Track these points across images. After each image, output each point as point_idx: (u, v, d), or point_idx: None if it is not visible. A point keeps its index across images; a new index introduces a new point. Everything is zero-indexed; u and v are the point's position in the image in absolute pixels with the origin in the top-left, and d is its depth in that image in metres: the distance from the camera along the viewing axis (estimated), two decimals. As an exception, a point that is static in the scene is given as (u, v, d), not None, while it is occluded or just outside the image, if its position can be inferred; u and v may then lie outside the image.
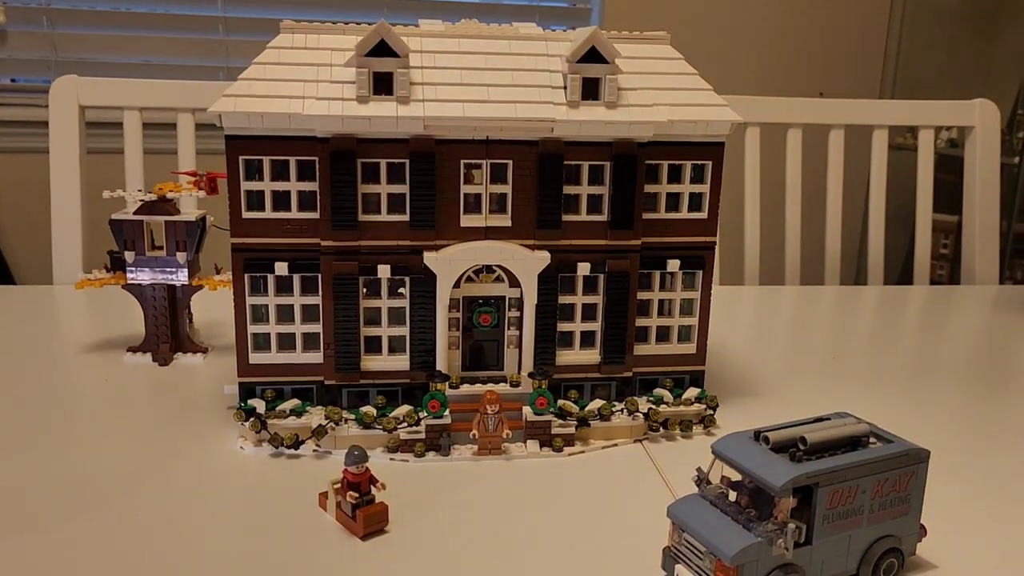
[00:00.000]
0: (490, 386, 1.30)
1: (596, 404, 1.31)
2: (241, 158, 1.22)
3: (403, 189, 1.25)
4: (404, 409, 1.26)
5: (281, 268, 1.27)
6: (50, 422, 1.34)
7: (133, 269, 1.55)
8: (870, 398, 1.54)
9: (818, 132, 2.49)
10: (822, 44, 4.01)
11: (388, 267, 1.27)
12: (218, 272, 1.59)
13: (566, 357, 1.36)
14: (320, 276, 1.27)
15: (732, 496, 0.93)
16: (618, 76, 1.26)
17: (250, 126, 1.20)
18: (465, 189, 1.26)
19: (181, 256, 1.54)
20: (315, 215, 1.25)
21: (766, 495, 0.88)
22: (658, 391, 1.38)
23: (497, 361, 1.35)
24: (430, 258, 1.26)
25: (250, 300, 1.28)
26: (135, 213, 1.53)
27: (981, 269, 2.53)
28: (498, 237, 1.28)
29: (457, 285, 1.28)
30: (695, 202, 1.34)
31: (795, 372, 1.67)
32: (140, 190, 1.55)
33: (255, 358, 1.30)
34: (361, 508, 1.03)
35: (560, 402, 1.30)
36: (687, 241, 1.36)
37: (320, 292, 1.28)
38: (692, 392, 1.37)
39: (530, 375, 1.29)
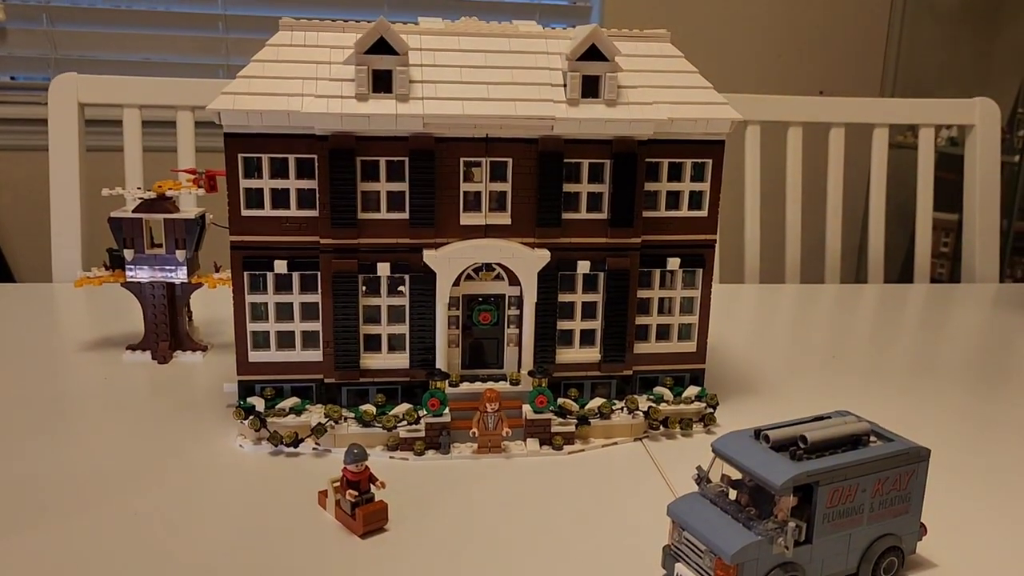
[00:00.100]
0: (490, 384, 1.30)
1: (596, 402, 1.31)
2: (240, 156, 1.22)
3: (403, 187, 1.25)
4: (404, 407, 1.26)
5: (280, 266, 1.26)
6: (49, 420, 1.33)
7: (132, 267, 1.55)
8: (870, 396, 1.54)
9: (818, 130, 2.49)
10: (822, 42, 4.01)
11: (388, 265, 1.27)
12: (217, 270, 1.59)
13: (566, 355, 1.36)
14: (319, 274, 1.27)
15: (732, 494, 0.93)
16: (618, 74, 1.26)
17: (249, 124, 1.20)
18: (465, 187, 1.26)
19: (180, 254, 1.54)
20: (314, 213, 1.25)
21: (766, 494, 0.88)
22: (658, 389, 1.38)
23: (497, 359, 1.34)
24: (430, 256, 1.25)
25: (249, 298, 1.28)
26: (134, 211, 1.52)
27: (981, 267, 2.52)
28: (498, 235, 1.27)
29: (457, 283, 1.28)
30: (695, 200, 1.34)
31: (795, 370, 1.67)
32: (139, 188, 1.55)
33: (254, 356, 1.30)
34: (360, 506, 1.02)
35: (560, 400, 1.29)
36: (687, 239, 1.35)
37: (319, 290, 1.28)
38: (692, 390, 1.37)
39: (530, 373, 1.29)
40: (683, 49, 1.38)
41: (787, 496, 0.86)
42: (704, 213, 1.35)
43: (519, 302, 1.31)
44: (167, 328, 1.59)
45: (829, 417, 0.97)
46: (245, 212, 1.25)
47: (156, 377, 1.52)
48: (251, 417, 1.24)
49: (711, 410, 1.35)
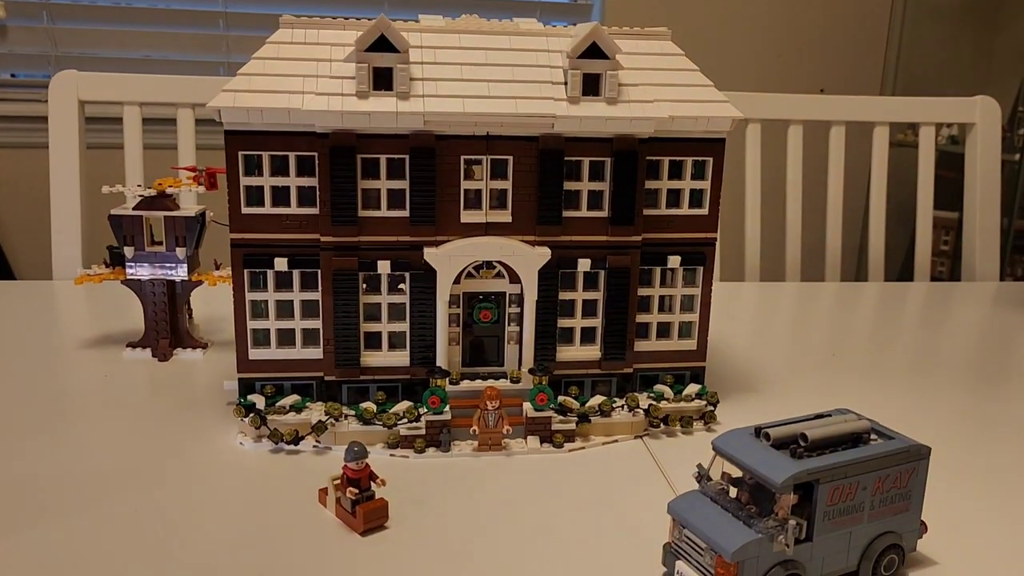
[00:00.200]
0: (490, 382, 1.30)
1: (596, 400, 1.31)
2: (240, 153, 1.22)
3: (403, 185, 1.25)
4: (404, 405, 1.26)
5: (281, 264, 1.26)
6: (49, 418, 1.33)
7: (132, 264, 1.55)
8: (870, 394, 1.54)
9: (819, 128, 2.49)
10: (823, 40, 4.01)
11: (388, 263, 1.27)
12: (217, 268, 1.59)
13: (566, 353, 1.36)
14: (320, 272, 1.27)
15: (733, 492, 0.93)
16: (619, 72, 1.26)
17: (249, 121, 1.20)
18: (465, 185, 1.26)
19: (180, 251, 1.54)
20: (315, 211, 1.25)
21: (767, 491, 0.88)
22: (659, 387, 1.38)
23: (497, 357, 1.34)
24: (430, 254, 1.25)
25: (250, 296, 1.28)
26: (134, 208, 1.52)
27: (981, 266, 2.52)
28: (498, 233, 1.27)
29: (457, 281, 1.28)
30: (696, 198, 1.34)
31: (795, 369, 1.67)
32: (139, 185, 1.55)
33: (255, 354, 1.30)
34: (361, 504, 1.02)
35: (560, 398, 1.29)
36: (688, 237, 1.35)
37: (320, 288, 1.28)
38: (692, 388, 1.37)
39: (530, 371, 1.29)
40: (683, 47, 1.37)
41: (787, 494, 0.86)
42: (705, 211, 1.35)
43: (520, 300, 1.31)
44: (167, 326, 1.59)
45: (829, 415, 0.97)
46: (245, 210, 1.25)
47: (156, 375, 1.52)
48: (251, 415, 1.24)
49: (711, 408, 1.35)
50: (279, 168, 1.24)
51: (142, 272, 1.55)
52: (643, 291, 1.37)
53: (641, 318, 1.38)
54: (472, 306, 1.31)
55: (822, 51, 4.01)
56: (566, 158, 1.27)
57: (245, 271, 1.27)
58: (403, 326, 1.30)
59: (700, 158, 1.32)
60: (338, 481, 1.05)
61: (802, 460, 0.88)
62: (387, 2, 3.54)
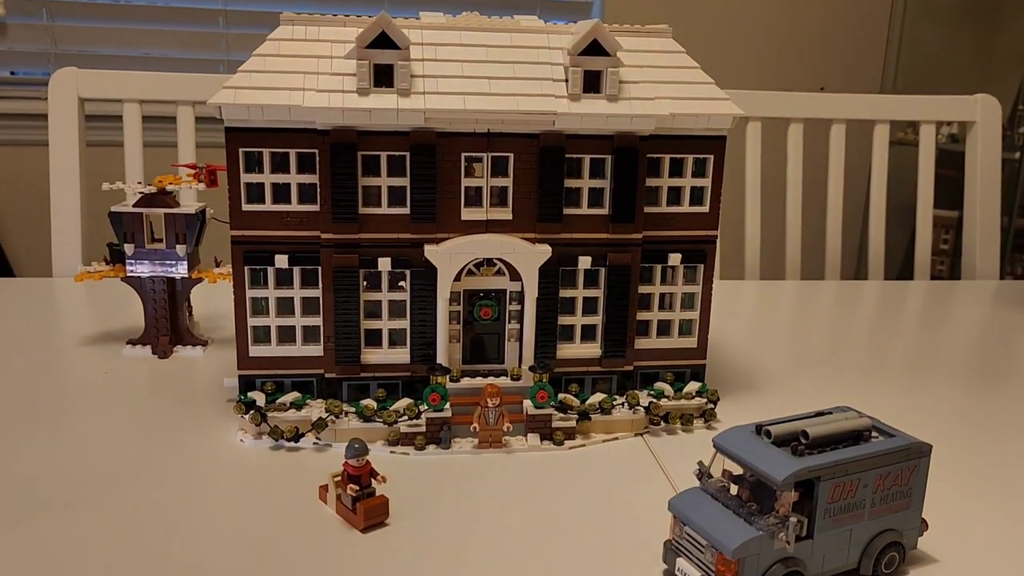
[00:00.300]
0: (491, 379, 1.30)
1: (597, 398, 1.31)
2: (241, 150, 1.22)
3: (404, 182, 1.25)
4: (404, 402, 1.26)
5: (281, 261, 1.26)
6: (49, 415, 1.33)
7: (132, 261, 1.55)
8: (870, 393, 1.54)
9: (819, 127, 2.49)
10: (823, 39, 4.01)
11: (388, 260, 1.27)
12: (218, 265, 1.58)
13: (567, 351, 1.36)
14: (320, 269, 1.27)
15: (733, 490, 0.93)
16: (620, 69, 1.26)
17: (250, 118, 1.19)
18: (466, 182, 1.26)
19: (181, 249, 1.54)
20: (315, 208, 1.25)
21: (767, 489, 0.88)
22: (659, 385, 1.38)
23: (498, 354, 1.34)
24: (431, 251, 1.25)
25: (250, 293, 1.28)
26: (135, 205, 1.52)
27: (982, 264, 2.52)
28: (499, 230, 1.27)
29: (458, 278, 1.28)
30: (696, 196, 1.34)
31: (796, 367, 1.67)
32: (140, 182, 1.55)
33: (255, 351, 1.30)
34: (361, 501, 1.02)
35: (561, 396, 1.29)
36: (688, 235, 1.35)
37: (320, 285, 1.28)
38: (693, 386, 1.37)
39: (531, 368, 1.29)
40: (683, 46, 1.37)
41: (788, 491, 0.86)
42: (705, 209, 1.35)
43: (520, 297, 1.31)
44: (167, 323, 1.58)
45: (830, 413, 0.97)
46: (246, 207, 1.25)
47: (156, 372, 1.52)
48: (252, 412, 1.24)
49: (712, 406, 1.35)
50: (280, 165, 1.24)
51: (142, 269, 1.55)
52: (643, 289, 1.37)
53: (641, 316, 1.38)
54: (472, 303, 1.31)
55: (822, 49, 4.00)
56: (567, 155, 1.27)
57: (246, 268, 1.27)
58: (403, 323, 1.30)
59: (701, 155, 1.32)
60: (339, 478, 1.05)
61: (803, 457, 0.88)
62: None
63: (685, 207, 1.34)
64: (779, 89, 2.45)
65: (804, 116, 2.44)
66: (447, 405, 1.23)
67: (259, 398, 1.27)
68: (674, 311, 1.39)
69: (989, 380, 1.67)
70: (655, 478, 1.19)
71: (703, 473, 0.95)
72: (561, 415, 1.27)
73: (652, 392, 1.36)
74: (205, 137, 2.17)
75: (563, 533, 1.05)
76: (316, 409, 1.27)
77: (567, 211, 1.29)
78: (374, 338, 1.31)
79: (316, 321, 1.30)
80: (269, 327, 1.30)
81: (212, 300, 1.66)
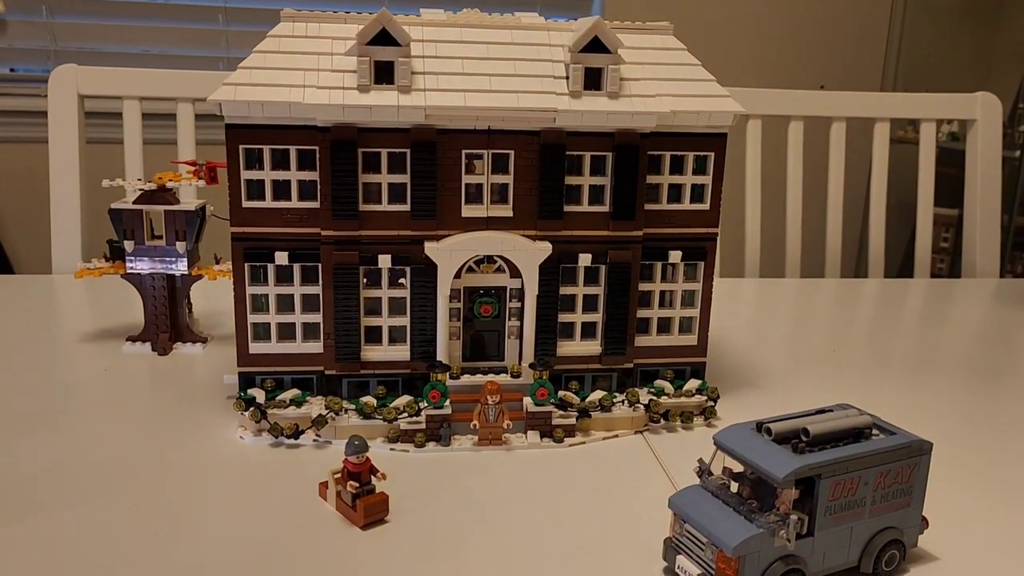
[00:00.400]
0: (491, 377, 1.30)
1: (597, 395, 1.31)
2: (241, 147, 1.22)
3: (404, 179, 1.25)
4: (404, 399, 1.26)
5: (281, 258, 1.26)
6: (49, 411, 1.33)
7: (132, 258, 1.55)
8: (871, 390, 1.54)
9: (820, 125, 2.49)
10: (823, 37, 4.00)
11: (389, 257, 1.26)
12: (218, 262, 1.58)
13: (567, 348, 1.35)
14: (320, 266, 1.27)
15: (734, 487, 0.93)
16: (620, 66, 1.25)
17: (250, 115, 1.19)
18: (466, 179, 1.26)
19: (180, 245, 1.54)
20: (315, 204, 1.24)
21: (768, 486, 0.88)
22: (659, 382, 1.38)
23: (498, 352, 1.34)
24: (431, 248, 1.25)
25: (250, 290, 1.28)
26: (135, 202, 1.52)
27: (982, 262, 2.52)
28: (499, 227, 1.27)
29: (458, 275, 1.28)
30: (697, 193, 1.34)
31: (796, 364, 1.67)
32: (140, 179, 1.54)
33: (255, 348, 1.30)
34: (361, 498, 1.02)
35: (561, 393, 1.29)
36: (689, 232, 1.35)
37: (320, 282, 1.27)
38: (693, 384, 1.37)
39: (531, 366, 1.29)
40: (684, 43, 1.37)
41: (789, 489, 0.86)
42: (706, 206, 1.34)
43: (520, 294, 1.31)
44: (167, 320, 1.58)
45: (831, 410, 0.97)
46: (246, 203, 1.24)
47: (156, 369, 1.52)
48: (251, 409, 1.23)
49: (712, 403, 1.35)
50: (280, 162, 1.23)
51: (142, 266, 1.55)
52: (644, 286, 1.37)
53: (642, 313, 1.38)
54: (473, 301, 1.31)
55: (823, 47, 4.00)
56: (567, 152, 1.26)
57: (246, 265, 1.27)
58: (403, 320, 1.30)
59: (701, 153, 1.32)
60: (338, 475, 1.05)
61: (804, 455, 0.88)
62: (388, -4, 3.53)
63: (686, 204, 1.34)
64: (779, 87, 2.45)
65: (804, 114, 2.44)
66: (447, 402, 1.23)
67: (259, 395, 1.27)
68: (674, 308, 1.39)
69: (989, 378, 1.67)
70: (655, 476, 1.18)
71: (703, 470, 0.94)
72: (561, 412, 1.27)
73: (652, 390, 1.36)
74: (205, 134, 2.17)
75: (563, 530, 1.05)
76: (316, 406, 1.26)
77: (568, 208, 1.29)
78: (374, 335, 1.31)
79: (316, 318, 1.30)
80: (269, 324, 1.30)
81: (212, 297, 1.66)
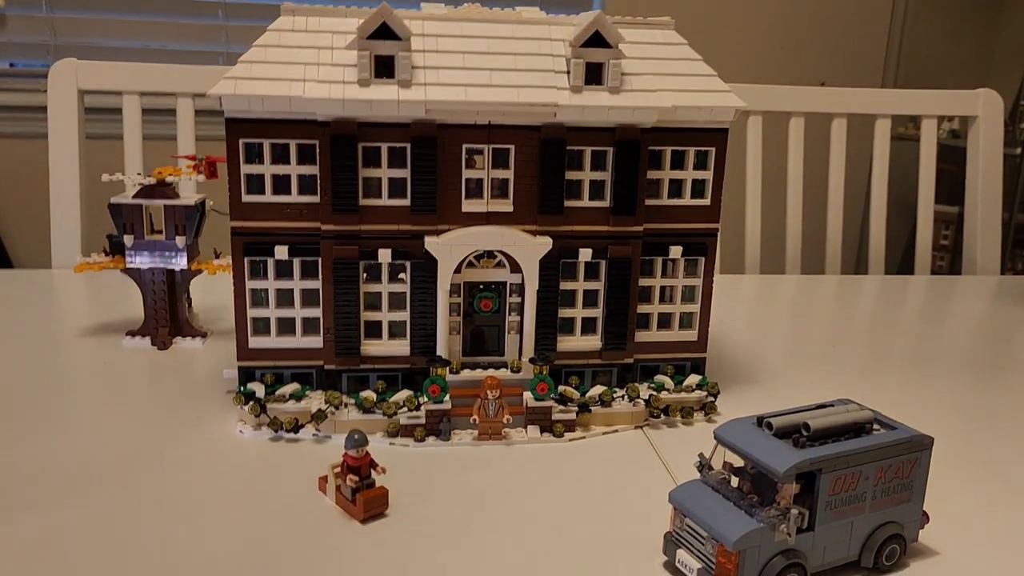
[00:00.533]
0: (491, 371, 1.29)
1: (597, 390, 1.31)
2: (241, 141, 1.22)
3: (404, 173, 1.24)
4: (404, 394, 1.26)
5: (281, 252, 1.26)
6: (49, 406, 1.33)
7: (132, 253, 1.54)
8: (871, 386, 1.54)
9: (820, 121, 2.48)
10: (824, 33, 4.00)
11: (389, 252, 1.26)
12: (217, 256, 1.58)
13: (567, 343, 1.35)
14: (320, 260, 1.26)
15: (734, 482, 0.92)
16: (621, 61, 1.25)
17: (250, 109, 1.19)
18: (467, 174, 1.26)
19: (180, 240, 1.53)
20: (315, 199, 1.24)
21: (768, 481, 0.88)
22: (659, 378, 1.38)
23: (498, 347, 1.34)
24: (431, 243, 1.25)
25: (250, 284, 1.28)
26: (134, 197, 1.52)
27: (983, 259, 2.52)
28: (500, 222, 1.27)
29: (458, 270, 1.28)
30: (698, 188, 1.34)
31: (796, 360, 1.67)
32: (139, 173, 1.54)
33: (255, 342, 1.30)
34: (361, 492, 1.02)
35: (561, 388, 1.29)
36: (690, 228, 1.35)
37: (320, 276, 1.27)
38: (693, 379, 1.37)
39: (531, 361, 1.29)
40: (684, 39, 1.37)
41: (790, 483, 0.86)
42: (707, 201, 1.34)
43: (520, 289, 1.30)
44: (167, 314, 1.58)
45: (832, 405, 0.97)
46: (246, 198, 1.24)
47: (156, 363, 1.52)
48: (251, 403, 1.23)
49: (712, 399, 1.35)
50: (280, 156, 1.23)
51: (142, 260, 1.55)
52: (644, 281, 1.36)
53: (642, 308, 1.37)
54: (473, 295, 1.31)
55: (823, 44, 4.00)
56: (568, 147, 1.26)
57: (245, 259, 1.26)
58: (403, 315, 1.30)
59: (702, 148, 1.32)
60: (338, 469, 1.04)
61: (805, 449, 0.88)
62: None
63: (686, 200, 1.34)
64: (780, 83, 2.44)
65: (805, 110, 2.43)
66: (447, 397, 1.23)
67: (259, 389, 1.27)
68: (675, 304, 1.39)
69: (990, 375, 1.67)
70: (655, 471, 1.18)
71: (704, 465, 0.94)
72: (561, 407, 1.27)
73: (652, 385, 1.36)
74: (205, 131, 2.17)
75: (563, 525, 1.04)
76: (315, 401, 1.26)
77: (568, 203, 1.29)
78: (374, 330, 1.31)
79: (316, 313, 1.29)
80: (269, 318, 1.29)
81: (211, 292, 1.65)
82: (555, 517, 1.06)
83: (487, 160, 1.25)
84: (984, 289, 2.34)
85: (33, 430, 1.24)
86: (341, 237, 1.25)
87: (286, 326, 1.30)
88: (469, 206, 1.26)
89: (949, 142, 3.65)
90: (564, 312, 1.34)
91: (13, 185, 3.36)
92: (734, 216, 2.31)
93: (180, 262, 1.55)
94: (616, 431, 1.29)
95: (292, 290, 1.29)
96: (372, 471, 1.04)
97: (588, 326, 1.36)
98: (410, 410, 1.23)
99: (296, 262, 1.27)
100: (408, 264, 1.28)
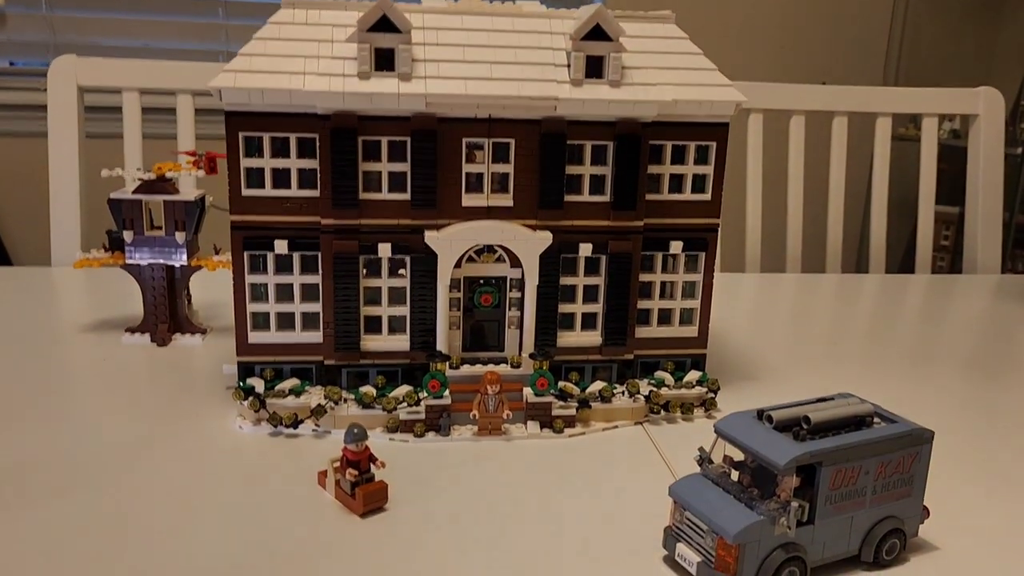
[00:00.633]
0: (491, 367, 1.29)
1: (597, 386, 1.30)
2: (241, 135, 1.21)
3: (404, 167, 1.24)
4: (404, 389, 1.25)
5: (281, 246, 1.26)
6: (48, 403, 1.33)
7: (131, 249, 1.54)
8: (871, 384, 1.53)
9: (821, 119, 2.48)
10: (826, 31, 4.00)
11: (389, 246, 1.26)
12: (217, 253, 1.58)
13: (567, 339, 1.35)
14: (320, 255, 1.26)
15: (734, 475, 0.92)
16: (622, 54, 1.25)
17: (250, 102, 1.19)
18: (467, 168, 1.25)
19: (180, 236, 1.53)
20: (315, 193, 1.24)
21: (769, 474, 0.87)
22: (659, 374, 1.38)
23: (498, 342, 1.34)
24: (431, 237, 1.24)
25: (249, 279, 1.27)
26: (134, 192, 1.51)
27: (983, 258, 2.52)
28: (500, 217, 1.27)
29: (458, 265, 1.27)
30: (699, 183, 1.33)
31: (796, 358, 1.66)
32: (139, 169, 1.54)
33: (254, 337, 1.29)
34: (360, 486, 1.02)
35: (561, 384, 1.29)
36: (690, 223, 1.35)
37: (320, 271, 1.27)
38: (693, 375, 1.36)
39: (531, 356, 1.28)
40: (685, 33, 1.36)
41: (790, 476, 0.86)
42: (707, 196, 1.34)
43: (521, 284, 1.30)
44: (166, 311, 1.58)
45: (832, 399, 0.97)
46: (246, 192, 1.24)
47: (155, 360, 1.52)
48: (251, 398, 1.23)
49: (712, 395, 1.34)
50: (280, 150, 1.23)
51: (141, 257, 1.55)
52: (644, 277, 1.36)
53: (642, 304, 1.37)
54: (473, 290, 1.30)
55: (825, 42, 3.99)
56: (568, 142, 1.26)
57: (245, 254, 1.26)
58: (403, 310, 1.30)
59: (703, 143, 1.31)
60: (338, 463, 1.04)
61: (805, 442, 0.88)
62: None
63: (687, 195, 1.34)
64: (781, 81, 2.44)
65: (806, 108, 2.43)
66: (447, 392, 1.23)
67: (258, 385, 1.26)
68: (675, 300, 1.39)
69: (990, 372, 1.66)
70: (655, 466, 1.18)
71: (704, 458, 0.94)
72: (561, 403, 1.26)
73: (652, 381, 1.36)
74: (204, 129, 2.16)
75: (562, 520, 1.04)
76: (315, 396, 1.26)
77: (568, 198, 1.28)
78: (374, 325, 1.31)
79: (315, 307, 1.29)
80: (268, 313, 1.29)
81: (211, 288, 1.65)
82: (554, 512, 1.06)
83: (487, 154, 1.25)
84: (984, 288, 2.34)
85: (32, 427, 1.24)
86: (341, 231, 1.24)
87: (286, 321, 1.30)
88: (469, 200, 1.26)
89: (950, 142, 3.64)
90: (564, 307, 1.34)
91: (13, 184, 3.35)
92: (735, 214, 2.30)
93: (180, 258, 1.55)
94: (616, 427, 1.29)
95: (292, 285, 1.28)
96: (371, 465, 1.04)
97: (588, 322, 1.36)
98: (410, 405, 1.23)
99: (296, 256, 1.27)
100: (408, 259, 1.27)
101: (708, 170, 1.32)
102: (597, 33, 1.23)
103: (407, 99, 1.19)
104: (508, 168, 1.26)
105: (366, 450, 1.03)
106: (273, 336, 1.30)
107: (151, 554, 0.94)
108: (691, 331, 1.40)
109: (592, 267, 1.34)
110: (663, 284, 1.38)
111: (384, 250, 1.26)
